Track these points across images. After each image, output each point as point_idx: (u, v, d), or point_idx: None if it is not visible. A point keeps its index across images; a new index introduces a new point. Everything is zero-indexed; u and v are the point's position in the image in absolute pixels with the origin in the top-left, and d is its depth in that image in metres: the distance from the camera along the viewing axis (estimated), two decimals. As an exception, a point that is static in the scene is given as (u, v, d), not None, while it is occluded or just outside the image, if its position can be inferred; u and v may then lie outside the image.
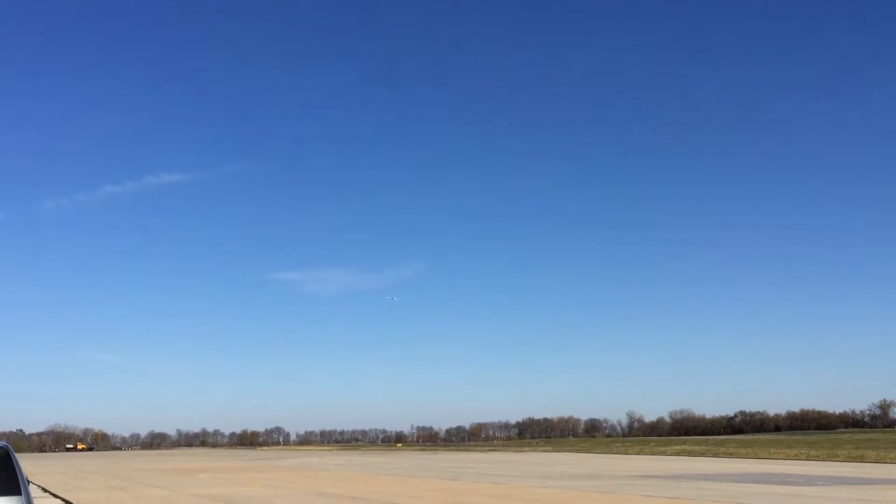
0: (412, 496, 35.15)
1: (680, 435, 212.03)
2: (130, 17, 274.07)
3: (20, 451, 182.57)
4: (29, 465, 79.16)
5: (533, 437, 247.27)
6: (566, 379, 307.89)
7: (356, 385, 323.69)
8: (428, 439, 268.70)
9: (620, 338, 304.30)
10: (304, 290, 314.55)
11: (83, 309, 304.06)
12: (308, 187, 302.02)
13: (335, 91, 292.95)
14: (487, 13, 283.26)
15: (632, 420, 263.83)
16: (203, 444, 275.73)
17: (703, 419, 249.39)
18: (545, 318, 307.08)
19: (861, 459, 59.75)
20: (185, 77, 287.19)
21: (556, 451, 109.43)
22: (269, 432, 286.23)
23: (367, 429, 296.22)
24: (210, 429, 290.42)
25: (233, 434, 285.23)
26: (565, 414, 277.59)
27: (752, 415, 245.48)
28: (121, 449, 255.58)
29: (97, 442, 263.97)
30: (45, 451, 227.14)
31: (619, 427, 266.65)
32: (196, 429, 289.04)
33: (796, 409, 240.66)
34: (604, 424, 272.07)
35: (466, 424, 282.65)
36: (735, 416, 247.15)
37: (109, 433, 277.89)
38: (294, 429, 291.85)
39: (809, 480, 39.43)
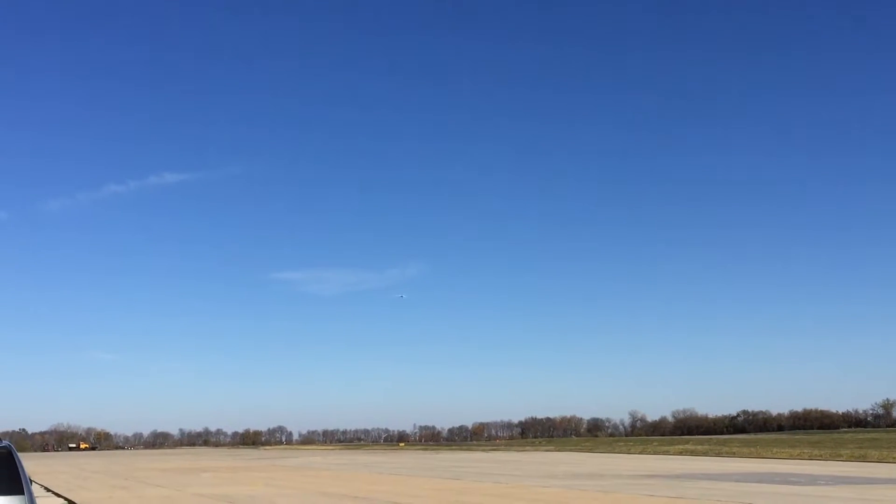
0: (414, 495, 35.14)
1: (683, 434, 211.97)
2: (132, 17, 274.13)
3: (23, 450, 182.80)
4: (31, 464, 79.22)
5: (535, 437, 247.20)
6: (569, 378, 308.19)
7: (358, 385, 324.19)
8: (430, 439, 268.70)
9: (623, 337, 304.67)
10: (305, 290, 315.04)
11: (86, 308, 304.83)
12: (309, 187, 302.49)
13: (336, 90, 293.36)
14: (488, 11, 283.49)
15: (634, 419, 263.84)
16: (205, 443, 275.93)
17: (705, 419, 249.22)
18: (547, 317, 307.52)
19: (864, 459, 59.68)
20: (186, 77, 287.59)
21: (559, 450, 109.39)
22: (271, 432, 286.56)
23: (369, 428, 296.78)
24: (212, 428, 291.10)
25: (235, 433, 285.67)
26: (568, 413, 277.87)
27: (754, 414, 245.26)
28: (123, 448, 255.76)
29: (100, 441, 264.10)
30: (47, 451, 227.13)
31: (621, 426, 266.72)
32: (198, 428, 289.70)
33: (799, 408, 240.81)
34: (606, 424, 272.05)
35: (469, 424, 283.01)
36: (738, 415, 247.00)
37: (112, 432, 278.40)
38: (296, 428, 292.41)
39: (812, 480, 39.38)
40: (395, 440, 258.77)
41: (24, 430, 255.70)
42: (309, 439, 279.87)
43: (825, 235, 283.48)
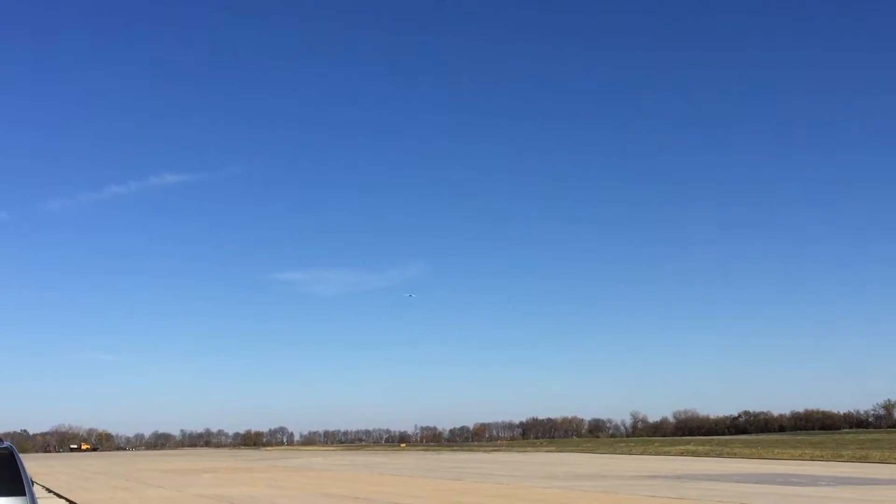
0: (415, 496, 35.15)
1: (684, 435, 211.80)
2: (132, 17, 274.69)
3: (24, 451, 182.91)
4: (33, 465, 79.22)
5: (537, 438, 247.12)
6: (570, 379, 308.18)
7: (359, 385, 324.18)
8: (431, 439, 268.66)
9: (624, 338, 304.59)
10: (306, 291, 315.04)
11: (87, 309, 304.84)
12: (309, 187, 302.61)
13: (336, 90, 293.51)
14: (488, 12, 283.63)
15: (635, 420, 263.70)
16: (207, 444, 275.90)
17: (707, 419, 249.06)
18: (549, 317, 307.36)
19: (865, 460, 59.66)
20: (187, 77, 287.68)
21: (560, 451, 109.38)
22: (272, 432, 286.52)
23: (370, 429, 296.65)
24: (214, 429, 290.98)
25: (236, 434, 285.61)
26: (569, 414, 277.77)
27: (756, 415, 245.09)
28: (125, 449, 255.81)
29: (101, 442, 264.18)
30: (49, 452, 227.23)
31: (622, 427, 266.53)
32: (199, 429, 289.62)
33: (800, 409, 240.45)
34: (607, 424, 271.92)
35: (470, 424, 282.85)
36: (739, 416, 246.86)
37: (113, 433, 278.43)
38: (297, 429, 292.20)
39: (814, 481, 39.38)
40: (397, 441, 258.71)
41: (25, 430, 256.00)
42: (310, 440, 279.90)
43: (826, 235, 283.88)
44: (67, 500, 38.28)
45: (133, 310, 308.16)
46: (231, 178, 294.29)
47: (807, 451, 73.52)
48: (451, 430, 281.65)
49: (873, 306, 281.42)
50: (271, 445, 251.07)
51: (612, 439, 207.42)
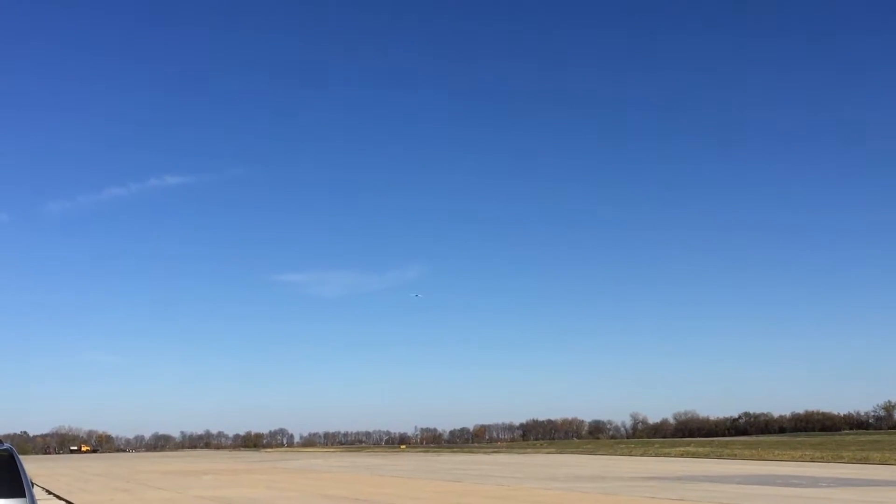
0: (415, 498, 35.14)
1: (684, 436, 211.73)
2: (132, 20, 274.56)
3: (24, 453, 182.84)
4: (33, 466, 79.20)
5: (537, 439, 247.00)
6: (570, 380, 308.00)
7: (360, 387, 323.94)
8: (431, 441, 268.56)
9: (624, 339, 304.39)
10: (306, 292, 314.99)
11: (87, 311, 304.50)
12: (310, 189, 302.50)
13: (336, 93, 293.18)
14: (489, 16, 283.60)
15: (636, 421, 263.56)
16: (207, 445, 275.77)
17: (707, 421, 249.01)
18: (548, 319, 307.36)
19: (866, 461, 59.67)
20: (187, 79, 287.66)
21: (560, 452, 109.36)
22: (272, 434, 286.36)
23: (370, 430, 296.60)
24: (214, 430, 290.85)
25: (236, 436, 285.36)
26: (569, 415, 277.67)
27: (756, 416, 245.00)
28: (125, 451, 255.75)
29: (101, 444, 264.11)
30: (49, 454, 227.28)
31: (623, 428, 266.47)
32: (200, 430, 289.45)
33: (801, 410, 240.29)
34: (608, 426, 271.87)
35: (470, 426, 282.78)
36: (739, 417, 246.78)
37: (113, 435, 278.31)
38: (298, 430, 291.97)
39: (814, 482, 39.37)
40: (397, 442, 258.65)
41: (25, 432, 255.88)
42: (310, 441, 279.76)
43: (826, 237, 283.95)
44: (67, 501, 38.28)
45: (133, 311, 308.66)
46: (231, 179, 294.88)
47: (807, 453, 73.53)
48: (451, 432, 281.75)
49: (873, 307, 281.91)
50: (271, 447, 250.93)
51: (613, 441, 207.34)
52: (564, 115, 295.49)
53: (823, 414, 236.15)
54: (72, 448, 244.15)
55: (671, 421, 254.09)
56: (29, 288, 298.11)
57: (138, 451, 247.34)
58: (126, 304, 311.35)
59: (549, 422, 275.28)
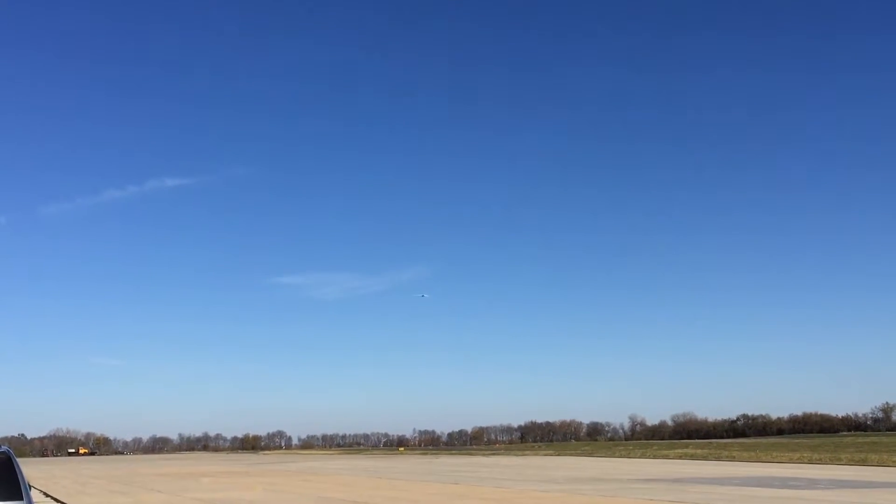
0: (413, 500, 35.13)
1: (682, 438, 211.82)
2: (129, 22, 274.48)
3: (22, 455, 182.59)
4: (31, 469, 79.10)
5: (535, 441, 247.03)
6: (568, 382, 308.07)
7: (358, 389, 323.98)
8: (430, 443, 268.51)
9: (622, 341, 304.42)
10: (306, 294, 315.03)
11: (85, 313, 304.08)
12: (309, 192, 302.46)
13: (335, 95, 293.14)
14: (489, 19, 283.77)
15: (634, 423, 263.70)
16: (205, 448, 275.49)
17: (705, 422, 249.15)
18: (547, 321, 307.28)
19: (864, 463, 59.72)
20: (186, 81, 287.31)
21: (559, 454, 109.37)
22: (271, 436, 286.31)
23: (369, 433, 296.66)
24: (212, 433, 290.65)
25: (235, 438, 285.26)
26: (567, 417, 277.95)
27: (754, 418, 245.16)
28: (123, 453, 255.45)
29: (99, 446, 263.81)
30: (46, 456, 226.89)
31: (621, 430, 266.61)
32: (198, 433, 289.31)
33: (799, 412, 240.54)
34: (606, 428, 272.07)
35: (468, 428, 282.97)
36: (737, 419, 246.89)
37: (111, 437, 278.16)
38: (296, 433, 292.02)
39: (812, 484, 39.38)
40: (395, 445, 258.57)
41: (23, 435, 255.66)
42: (308, 444, 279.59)
43: (824, 239, 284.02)
44: (65, 504, 38.21)
45: (131, 314, 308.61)
46: (231, 181, 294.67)
47: (805, 455, 73.58)
48: (449, 434, 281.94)
49: (872, 309, 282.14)
50: (269, 449, 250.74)
51: (611, 443, 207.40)
52: (564, 116, 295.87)
53: (821, 416, 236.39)
54: (69, 451, 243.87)
55: (669, 423, 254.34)
56: (26, 291, 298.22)
57: (136, 454, 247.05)
58: (124, 307, 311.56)
59: (548, 424, 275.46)
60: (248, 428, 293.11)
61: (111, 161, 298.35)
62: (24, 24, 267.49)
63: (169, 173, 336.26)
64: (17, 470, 13.30)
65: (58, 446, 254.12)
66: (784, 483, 40.17)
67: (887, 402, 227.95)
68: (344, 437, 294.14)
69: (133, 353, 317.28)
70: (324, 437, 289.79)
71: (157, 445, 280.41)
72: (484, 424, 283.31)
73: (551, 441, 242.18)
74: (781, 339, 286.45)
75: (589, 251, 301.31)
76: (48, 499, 41.84)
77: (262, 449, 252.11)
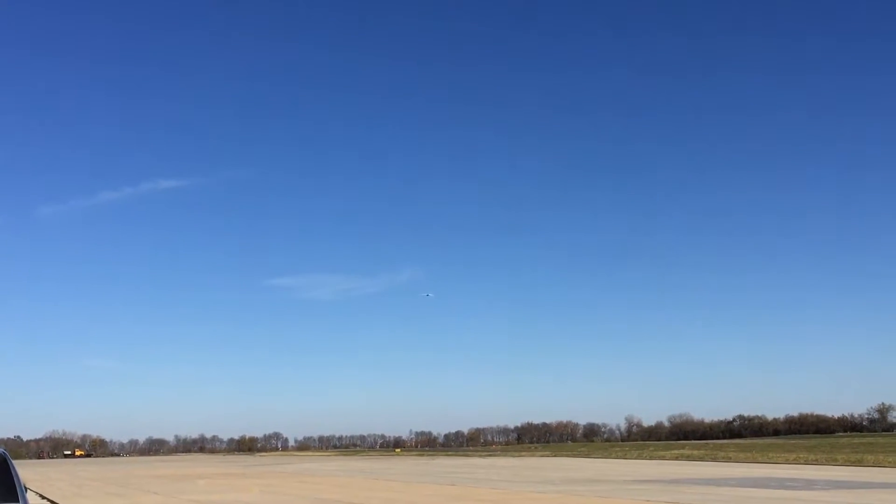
0: (409, 501, 35.11)
1: (678, 439, 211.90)
2: (127, 23, 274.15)
3: (18, 457, 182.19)
4: (27, 471, 78.97)
5: (531, 442, 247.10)
6: (565, 383, 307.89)
7: (354, 390, 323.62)
8: (426, 444, 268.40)
9: (619, 342, 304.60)
10: (301, 296, 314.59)
11: (80, 315, 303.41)
12: (303, 193, 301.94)
13: (330, 97, 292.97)
14: (489, 19, 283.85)
15: (630, 424, 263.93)
16: (201, 449, 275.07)
17: (701, 423, 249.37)
18: (543, 322, 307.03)
19: (860, 463, 59.81)
20: (181, 83, 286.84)
21: (555, 455, 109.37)
22: (267, 438, 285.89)
23: (365, 434, 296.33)
24: (208, 434, 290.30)
25: (231, 440, 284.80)
26: (564, 418, 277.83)
27: (750, 419, 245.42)
28: (119, 455, 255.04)
29: (95, 448, 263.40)
30: (42, 458, 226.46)
31: (617, 431, 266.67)
32: (194, 434, 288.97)
33: (795, 413, 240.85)
34: (602, 429, 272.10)
35: (465, 429, 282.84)
36: (734, 420, 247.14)
37: (107, 439, 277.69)
38: (292, 434, 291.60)
39: (808, 484, 39.42)
40: (392, 446, 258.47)
41: (18, 436, 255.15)
42: (305, 445, 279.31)
43: (820, 240, 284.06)
44: (61, 506, 38.12)
45: (127, 316, 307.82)
46: (225, 183, 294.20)
47: (801, 455, 73.65)
48: (445, 435, 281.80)
49: (868, 310, 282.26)
50: (266, 451, 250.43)
51: (607, 443, 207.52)
52: (564, 117, 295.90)
53: (817, 416, 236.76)
54: (66, 452, 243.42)
55: (666, 424, 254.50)
56: (22, 292, 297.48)
57: (132, 456, 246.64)
58: (120, 309, 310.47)
59: (544, 425, 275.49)
60: (244, 429, 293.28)
61: (106, 162, 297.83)
62: (22, 24, 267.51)
63: (164, 175, 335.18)
64: (12, 472, 13.27)
65: (54, 448, 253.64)
66: (781, 484, 40.20)
67: (883, 403, 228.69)
68: (340, 438, 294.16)
69: (129, 355, 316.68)
70: (320, 439, 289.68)
71: (154, 447, 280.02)
72: (480, 426, 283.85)
73: (548, 442, 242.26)
74: (777, 341, 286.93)
75: (587, 252, 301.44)
76: (44, 501, 41.74)
77: (259, 450, 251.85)
